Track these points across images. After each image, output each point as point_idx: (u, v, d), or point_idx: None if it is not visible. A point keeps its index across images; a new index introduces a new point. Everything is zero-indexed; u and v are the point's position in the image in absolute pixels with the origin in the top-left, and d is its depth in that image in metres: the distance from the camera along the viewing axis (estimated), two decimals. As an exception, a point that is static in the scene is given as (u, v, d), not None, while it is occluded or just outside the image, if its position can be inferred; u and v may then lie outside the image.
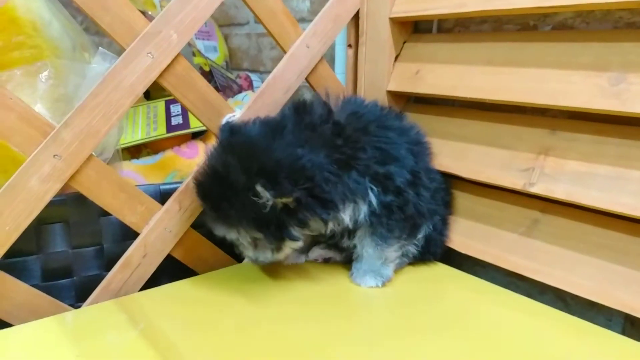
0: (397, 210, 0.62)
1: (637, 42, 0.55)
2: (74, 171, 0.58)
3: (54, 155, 0.56)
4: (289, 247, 0.62)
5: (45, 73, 0.60)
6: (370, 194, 0.60)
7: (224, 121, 0.69)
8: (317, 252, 0.72)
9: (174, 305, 0.61)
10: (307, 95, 0.67)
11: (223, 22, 1.21)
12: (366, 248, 0.65)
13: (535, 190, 0.62)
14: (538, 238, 0.64)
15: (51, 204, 0.63)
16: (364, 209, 0.61)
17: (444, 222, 0.72)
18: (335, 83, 0.79)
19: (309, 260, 0.73)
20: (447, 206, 0.73)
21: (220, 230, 0.60)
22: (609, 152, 0.58)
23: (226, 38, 1.21)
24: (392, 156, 0.61)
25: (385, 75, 0.77)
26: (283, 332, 0.54)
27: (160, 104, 0.87)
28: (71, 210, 0.65)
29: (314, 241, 0.73)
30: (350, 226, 0.63)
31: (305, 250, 0.73)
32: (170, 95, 0.90)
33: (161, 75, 0.62)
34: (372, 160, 0.60)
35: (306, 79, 0.75)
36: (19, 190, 0.55)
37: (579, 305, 0.66)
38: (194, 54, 0.98)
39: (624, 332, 0.63)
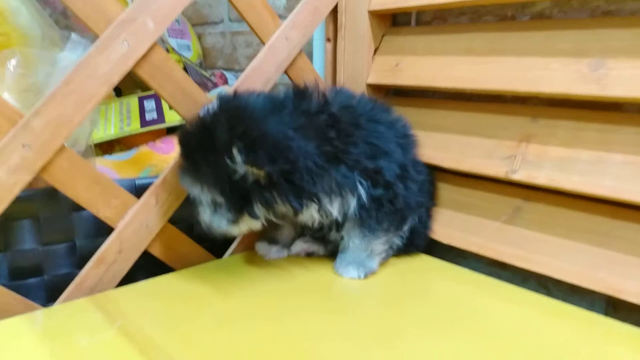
0: (387, 204, 0.61)
1: (615, 28, 0.56)
2: (44, 162, 0.55)
3: (23, 145, 0.53)
4: (247, 224, 0.59)
5: (13, 61, 0.58)
6: (360, 187, 0.59)
7: (202, 113, 0.67)
8: (300, 246, 0.71)
9: (151, 301, 0.59)
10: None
11: (196, 21, 1.19)
12: (353, 239, 0.64)
13: (517, 177, 0.62)
14: (521, 225, 0.65)
15: (20, 198, 0.60)
16: (353, 202, 0.60)
17: (428, 214, 0.72)
18: (315, 76, 0.78)
19: (292, 254, 0.71)
20: (432, 198, 0.73)
21: (186, 182, 0.59)
22: (589, 137, 0.58)
23: (200, 37, 1.19)
24: (382, 150, 0.61)
25: (364, 68, 0.77)
26: (264, 327, 0.52)
27: (132, 100, 0.85)
28: (41, 205, 0.62)
29: (297, 234, 0.71)
30: (340, 219, 0.62)
31: (287, 244, 0.71)
32: (143, 92, 0.88)
33: (137, 64, 0.60)
34: (362, 156, 0.59)
35: (285, 72, 0.74)
36: (-15, 181, 0.52)
37: (561, 291, 0.66)
38: (167, 51, 0.96)
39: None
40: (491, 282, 0.63)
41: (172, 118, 0.80)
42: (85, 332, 0.51)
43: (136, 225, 0.63)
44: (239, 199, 0.56)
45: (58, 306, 0.58)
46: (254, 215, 0.57)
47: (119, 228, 0.62)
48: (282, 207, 0.58)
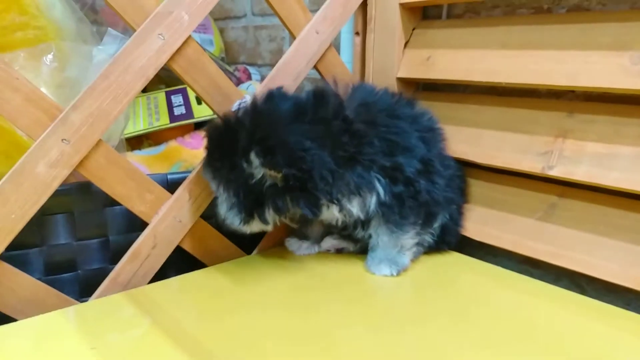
0: (408, 200, 0.61)
1: (658, 20, 0.55)
2: (82, 157, 0.55)
3: (62, 140, 0.53)
4: (258, 226, 0.60)
5: (50, 56, 0.58)
6: (378, 185, 0.59)
7: (234, 107, 0.67)
8: (330, 242, 0.71)
9: (185, 296, 0.59)
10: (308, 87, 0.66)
11: (219, 15, 1.19)
12: (381, 236, 0.63)
13: (554, 173, 0.61)
14: (556, 222, 0.64)
15: (55, 193, 0.60)
16: (372, 200, 0.60)
17: (460, 211, 0.71)
18: (344, 71, 0.77)
19: (322, 250, 0.71)
20: (463, 194, 0.72)
21: (207, 175, 0.60)
22: (629, 133, 0.57)
23: (222, 32, 1.18)
24: (401, 146, 0.60)
25: (394, 62, 0.76)
26: (297, 320, 0.52)
27: (160, 95, 0.85)
28: (75, 200, 0.62)
29: (327, 231, 0.71)
30: (362, 217, 0.62)
31: (317, 240, 0.71)
32: (167, 87, 0.88)
33: (172, 58, 0.60)
34: (379, 154, 0.58)
35: (315, 66, 0.74)
36: (25, 176, 0.52)
37: (595, 290, 0.65)
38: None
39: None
40: (524, 279, 0.62)
41: (201, 113, 0.80)
42: (122, 326, 0.52)
43: (169, 221, 0.63)
44: (252, 203, 0.57)
45: (94, 301, 0.58)
46: (264, 220, 0.58)
47: (153, 223, 0.62)
48: (296, 213, 0.58)
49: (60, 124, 0.53)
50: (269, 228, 0.61)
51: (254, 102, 0.59)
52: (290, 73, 0.70)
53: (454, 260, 0.69)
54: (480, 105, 0.71)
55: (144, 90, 0.91)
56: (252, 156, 0.53)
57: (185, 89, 0.86)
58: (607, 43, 0.58)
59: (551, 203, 0.65)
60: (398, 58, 0.76)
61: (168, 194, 0.63)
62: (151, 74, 0.58)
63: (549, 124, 0.64)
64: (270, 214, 0.58)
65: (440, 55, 0.72)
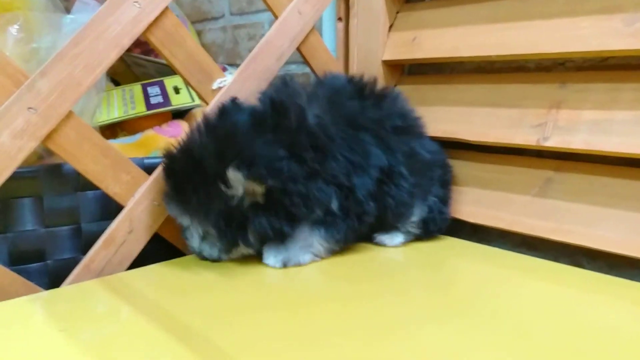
0: (352, 217, 0.57)
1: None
2: (51, 128, 0.51)
3: (29, 108, 0.49)
4: (240, 252, 0.57)
5: (16, 26, 0.54)
6: (334, 200, 0.56)
7: (214, 86, 0.64)
8: None
9: (165, 282, 0.54)
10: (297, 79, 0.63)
11: (196, 18, 1.17)
12: (301, 228, 0.57)
13: (550, 144, 0.59)
14: (554, 197, 0.61)
15: (22, 175, 0.56)
16: (318, 212, 0.56)
17: (443, 201, 0.67)
18: (327, 55, 0.75)
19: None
20: (445, 184, 0.68)
21: (174, 211, 0.56)
22: (625, 98, 0.56)
23: (199, 34, 1.16)
24: (358, 165, 0.57)
25: (379, 45, 0.75)
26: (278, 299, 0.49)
27: (136, 87, 0.81)
28: (44, 184, 0.57)
29: None
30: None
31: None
32: (146, 79, 0.85)
33: (149, 29, 0.57)
34: (340, 172, 0.55)
35: (298, 48, 0.71)
36: (-13, 146, 0.47)
37: (596, 268, 0.62)
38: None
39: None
40: (525, 258, 0.60)
41: (179, 101, 0.76)
42: (95, 310, 0.47)
43: (147, 204, 0.59)
44: (233, 229, 0.54)
45: (65, 287, 0.53)
46: (247, 244, 0.55)
47: (129, 206, 0.57)
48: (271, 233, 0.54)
49: (26, 90, 0.49)
50: (252, 251, 0.57)
51: (206, 121, 0.56)
52: (272, 53, 0.68)
53: (444, 242, 0.66)
54: (469, 84, 0.69)
55: (118, 84, 0.88)
56: (231, 173, 0.50)
57: (162, 81, 0.83)
58: (596, 8, 0.57)
59: (547, 178, 0.63)
60: (383, 41, 0.75)
61: (145, 174, 0.59)
62: (126, 43, 0.55)
63: (540, 96, 0.62)
64: (253, 236, 0.55)
65: (426, 35, 0.71)
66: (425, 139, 0.66)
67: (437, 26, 0.70)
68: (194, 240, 0.57)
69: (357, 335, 0.40)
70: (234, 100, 0.59)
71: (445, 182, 0.69)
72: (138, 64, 0.91)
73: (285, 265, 0.56)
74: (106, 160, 0.55)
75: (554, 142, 0.59)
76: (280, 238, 0.55)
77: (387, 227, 0.64)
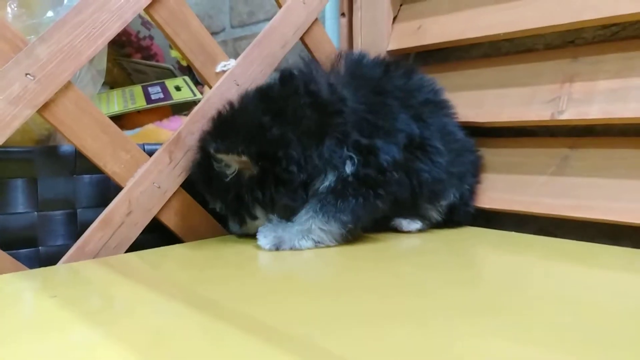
0: (367, 190, 0.52)
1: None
2: (48, 97, 0.48)
3: (26, 74, 0.47)
4: (253, 225, 0.56)
5: (15, 1, 0.53)
6: (349, 163, 0.52)
7: (218, 69, 0.62)
8: None
9: (166, 264, 0.51)
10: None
11: (196, 34, 1.17)
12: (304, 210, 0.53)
13: (565, 116, 0.58)
14: (572, 174, 0.59)
15: (16, 156, 0.53)
16: (331, 177, 0.52)
17: (472, 191, 0.65)
18: (331, 47, 0.74)
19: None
20: (476, 172, 0.65)
21: (211, 203, 0.59)
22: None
23: (199, 50, 1.16)
24: (383, 129, 0.53)
25: (384, 37, 0.74)
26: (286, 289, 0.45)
27: (136, 88, 0.80)
28: (39, 165, 0.54)
29: None
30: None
31: None
32: (145, 82, 0.83)
33: (152, 5, 0.55)
34: (351, 128, 0.52)
35: (302, 39, 0.70)
36: (-20, 109, 0.45)
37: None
38: (171, 47, 0.92)
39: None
40: (547, 240, 0.57)
41: (179, 96, 0.75)
42: (90, 282, 0.43)
43: (147, 185, 0.56)
44: (236, 204, 0.55)
45: (59, 265, 0.49)
46: (252, 216, 0.56)
47: (128, 186, 0.54)
48: (280, 203, 0.54)
49: (25, 56, 0.47)
50: (260, 223, 0.55)
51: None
52: (277, 40, 0.67)
53: (464, 232, 0.63)
54: (477, 69, 0.68)
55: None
56: (212, 151, 0.51)
57: (163, 82, 0.81)
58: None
59: (563, 156, 0.60)
60: (387, 33, 0.74)
61: (146, 155, 0.56)
62: (129, 17, 0.54)
63: (552, 72, 0.61)
64: (257, 209, 0.55)
65: (431, 22, 0.70)
66: (455, 120, 0.64)
67: (441, 13, 0.70)
68: (229, 220, 0.60)
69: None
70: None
71: (477, 170, 0.66)
72: (138, 71, 0.90)
73: (277, 247, 0.51)
74: (105, 137, 0.53)
75: (570, 114, 0.57)
76: (284, 212, 0.53)
77: (405, 212, 0.60)
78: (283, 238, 0.52)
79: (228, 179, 0.53)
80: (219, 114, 0.56)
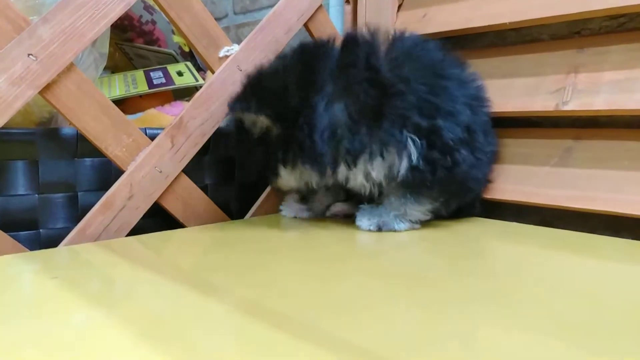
0: (441, 169, 0.52)
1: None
2: (50, 78, 0.48)
3: (29, 55, 0.47)
4: (284, 182, 0.58)
5: (18, -19, 0.52)
6: (411, 147, 0.51)
7: (221, 53, 0.62)
8: (339, 207, 0.64)
9: (170, 248, 0.51)
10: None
11: (198, 20, 1.16)
12: (390, 197, 0.55)
13: (570, 107, 0.57)
14: (575, 166, 0.59)
15: (17, 137, 0.53)
16: (403, 164, 0.51)
17: (480, 194, 0.64)
18: (335, 34, 0.74)
19: (329, 215, 0.64)
20: (488, 178, 0.64)
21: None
22: (647, 56, 0.54)
23: (202, 36, 1.15)
24: (443, 110, 0.52)
25: (389, 24, 0.73)
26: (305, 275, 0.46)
27: (138, 73, 0.79)
28: (40, 147, 0.54)
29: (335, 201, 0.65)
30: (384, 183, 0.54)
31: (316, 209, 0.64)
32: (147, 67, 0.83)
33: (155, -13, 0.55)
34: (411, 111, 0.51)
35: (306, 25, 0.70)
36: (-18, 89, 0.45)
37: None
38: (173, 32, 0.92)
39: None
40: (550, 231, 0.56)
41: (181, 81, 0.74)
42: (91, 264, 0.43)
43: (149, 169, 0.56)
44: (262, 156, 0.57)
45: (60, 248, 0.49)
46: (276, 173, 0.57)
47: (129, 170, 0.54)
48: (305, 171, 0.55)
49: (27, 36, 0.47)
50: (283, 182, 0.58)
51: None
52: (281, 25, 0.66)
53: (470, 222, 0.62)
54: (482, 58, 0.68)
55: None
56: (237, 113, 0.55)
57: (165, 67, 0.81)
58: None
59: (567, 147, 0.60)
60: (392, 21, 0.74)
61: (147, 139, 0.56)
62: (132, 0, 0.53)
63: (557, 63, 0.60)
64: (281, 167, 0.56)
65: (436, 10, 0.70)
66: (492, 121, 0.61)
67: (447, 1, 0.69)
68: None
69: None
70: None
71: (489, 175, 0.64)
72: (140, 56, 0.89)
73: (380, 229, 0.55)
74: (107, 120, 0.53)
75: (574, 105, 0.57)
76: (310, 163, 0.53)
77: None
78: (385, 221, 0.55)
79: (255, 136, 0.55)
80: (258, 72, 0.57)
